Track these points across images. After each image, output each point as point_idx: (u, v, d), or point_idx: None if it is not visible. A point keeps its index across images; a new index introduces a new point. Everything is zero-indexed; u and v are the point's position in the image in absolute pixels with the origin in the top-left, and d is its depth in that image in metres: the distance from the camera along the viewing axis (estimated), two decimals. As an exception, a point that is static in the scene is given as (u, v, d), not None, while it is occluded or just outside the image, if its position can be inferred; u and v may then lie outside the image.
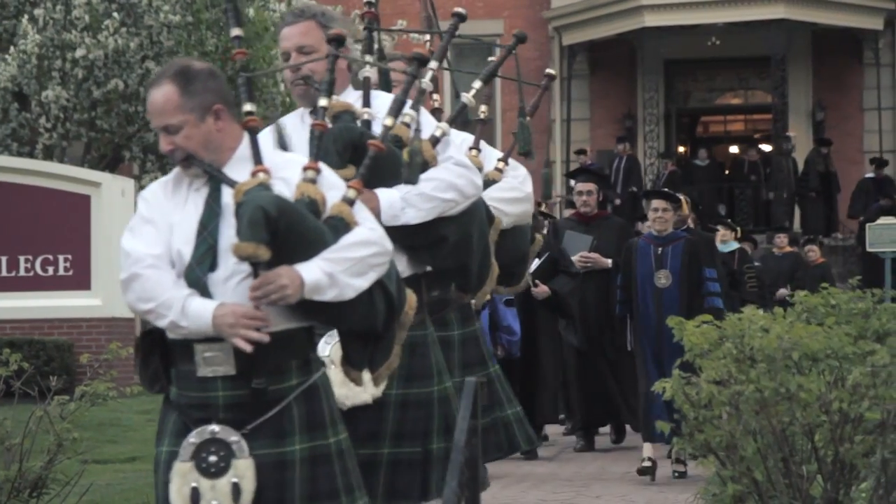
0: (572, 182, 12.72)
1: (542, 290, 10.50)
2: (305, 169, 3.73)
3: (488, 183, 5.24)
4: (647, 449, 9.46)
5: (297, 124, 4.53)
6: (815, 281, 15.82)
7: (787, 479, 4.93)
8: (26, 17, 17.79)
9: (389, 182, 4.31)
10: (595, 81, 25.09)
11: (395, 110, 4.30)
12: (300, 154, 4.05)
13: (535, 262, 10.28)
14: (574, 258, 10.94)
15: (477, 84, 5.20)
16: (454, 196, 4.36)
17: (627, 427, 11.39)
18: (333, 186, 3.76)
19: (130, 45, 17.64)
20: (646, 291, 9.68)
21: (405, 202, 4.29)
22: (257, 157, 3.70)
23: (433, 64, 4.75)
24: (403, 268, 4.26)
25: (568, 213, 12.70)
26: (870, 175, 23.06)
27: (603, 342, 10.93)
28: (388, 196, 4.28)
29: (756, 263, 15.17)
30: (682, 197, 10.32)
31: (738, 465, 4.92)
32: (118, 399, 8.02)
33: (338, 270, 3.60)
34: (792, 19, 22.83)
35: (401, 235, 4.23)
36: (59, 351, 13.64)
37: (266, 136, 4.53)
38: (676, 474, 9.27)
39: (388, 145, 4.23)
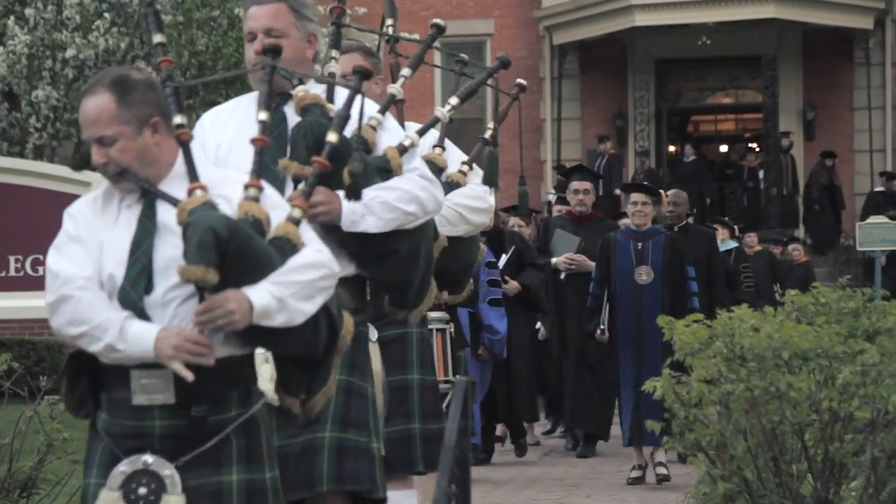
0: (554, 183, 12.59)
1: (512, 285, 10.28)
2: (247, 186, 3.52)
3: (451, 185, 5.12)
4: (636, 455, 9.17)
5: (251, 111, 4.15)
6: (798, 280, 15.90)
7: (777, 478, 4.93)
8: (12, 17, 17.76)
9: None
10: (586, 81, 25.08)
11: (339, 126, 3.99)
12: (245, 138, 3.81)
13: (503, 258, 10.22)
14: (559, 259, 10.69)
15: (454, 101, 5.16)
16: (415, 209, 4.19)
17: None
18: (277, 206, 3.56)
19: (121, 45, 17.62)
20: (625, 288, 9.32)
21: (366, 209, 4.10)
22: (192, 173, 3.49)
23: (405, 71, 4.71)
24: (347, 272, 4.07)
25: (561, 209, 12.07)
26: (879, 189, 23.09)
27: (583, 347, 10.41)
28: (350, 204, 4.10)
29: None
30: (661, 191, 10.11)
31: (729, 464, 4.93)
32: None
33: (287, 294, 3.43)
34: (782, 19, 22.84)
35: (353, 242, 4.12)
36: (49, 351, 13.61)
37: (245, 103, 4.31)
38: (660, 477, 9.03)
39: (352, 143, 4.05)
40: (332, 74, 4.30)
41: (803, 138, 24.28)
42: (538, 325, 11.30)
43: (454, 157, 5.31)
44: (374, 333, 4.48)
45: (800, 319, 5.07)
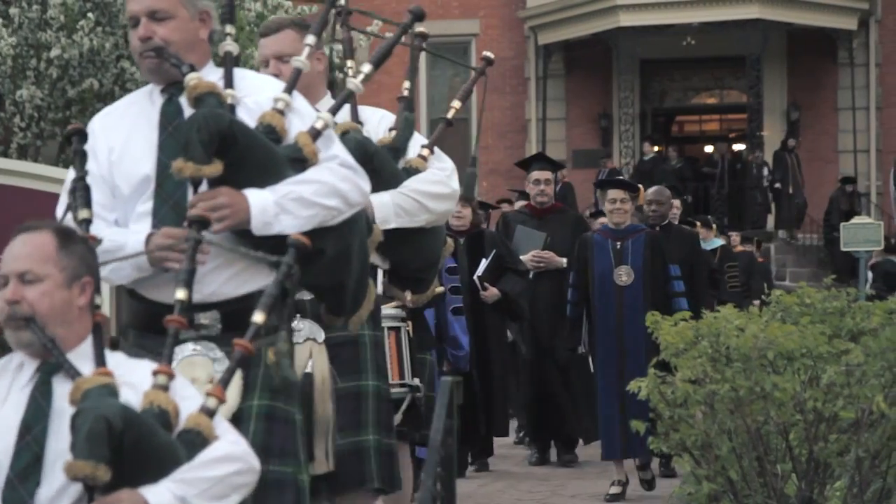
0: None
1: (492, 292, 9.41)
2: (156, 373, 3.16)
3: (410, 171, 4.64)
4: (616, 470, 8.73)
5: (145, 106, 3.75)
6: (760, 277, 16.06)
7: (761, 478, 4.94)
8: (0, 17, 17.72)
9: (260, 180, 3.56)
10: (571, 81, 25.10)
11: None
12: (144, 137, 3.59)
13: (483, 263, 9.42)
14: (525, 257, 9.86)
15: (456, 104, 4.97)
16: (337, 203, 3.63)
17: (580, 441, 10.31)
18: (188, 396, 3.17)
19: (105, 45, 17.58)
20: (605, 290, 8.73)
21: (279, 207, 3.53)
22: (100, 358, 3.17)
23: (367, 68, 4.25)
24: (266, 282, 3.55)
25: (520, 205, 11.21)
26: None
27: (554, 348, 9.72)
28: (259, 199, 3.52)
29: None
30: (640, 186, 9.51)
31: (714, 464, 4.93)
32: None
33: (192, 494, 3.01)
34: (767, 19, 22.89)
35: (269, 247, 3.55)
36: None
37: None
38: (645, 485, 8.77)
39: (261, 137, 3.59)
40: (227, 54, 3.78)
41: (787, 139, 24.33)
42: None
43: (413, 141, 4.79)
44: (320, 334, 4.29)
45: (784, 319, 5.07)
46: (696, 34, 23.46)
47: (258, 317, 3.32)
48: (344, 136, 4.28)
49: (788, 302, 5.24)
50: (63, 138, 17.95)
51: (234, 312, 3.49)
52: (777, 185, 23.15)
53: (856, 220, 18.53)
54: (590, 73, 24.92)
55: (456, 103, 4.88)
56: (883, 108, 24.49)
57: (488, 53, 5.06)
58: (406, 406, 5.31)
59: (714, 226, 14.56)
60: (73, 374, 3.11)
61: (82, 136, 3.63)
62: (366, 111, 4.78)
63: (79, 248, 3.29)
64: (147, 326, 3.53)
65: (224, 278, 3.55)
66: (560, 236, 9.95)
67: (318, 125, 3.67)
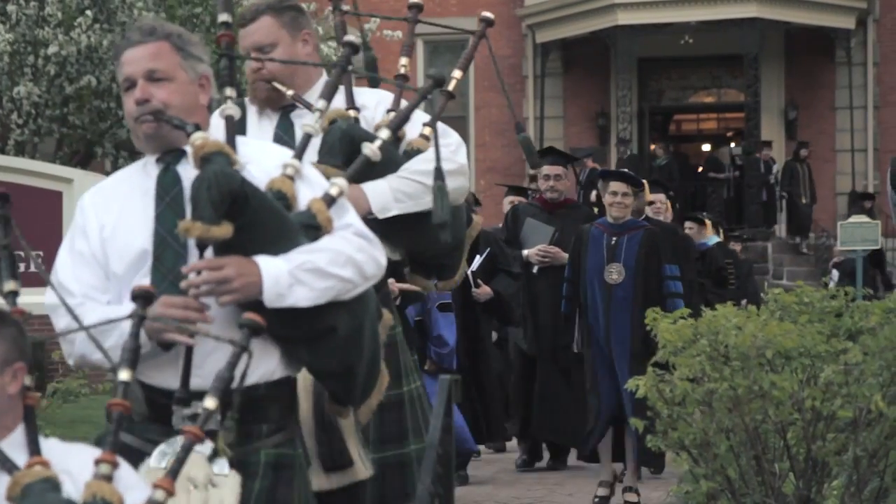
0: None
1: (484, 290, 9.18)
2: (98, 462, 2.92)
3: (412, 153, 4.31)
4: (605, 470, 8.46)
5: (139, 178, 3.45)
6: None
7: (759, 477, 4.94)
8: (-3, 13, 17.70)
9: (271, 246, 3.26)
10: (568, 79, 25.12)
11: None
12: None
13: (477, 260, 9.13)
14: (531, 251, 9.55)
15: (457, 74, 4.56)
16: (353, 275, 3.31)
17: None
18: (133, 486, 2.94)
19: (103, 42, 17.57)
20: (594, 287, 8.34)
21: (293, 278, 3.22)
22: (33, 444, 2.96)
23: (320, 104, 3.98)
24: (274, 367, 3.30)
25: (513, 198, 10.93)
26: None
27: (556, 347, 9.25)
28: (272, 268, 3.22)
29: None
30: (644, 181, 8.98)
31: (712, 463, 4.93)
32: (90, 396, 8.01)
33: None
34: (765, 18, 22.91)
35: (278, 322, 3.23)
36: (30, 348, 13.57)
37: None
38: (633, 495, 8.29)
39: (273, 201, 3.32)
40: (229, 118, 3.52)
41: (785, 138, 24.35)
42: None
43: (414, 120, 4.44)
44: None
45: (783, 318, 5.07)
46: (694, 33, 23.48)
47: (209, 402, 3.02)
48: (331, 125, 4.16)
49: (787, 301, 5.24)
50: None
51: (239, 404, 3.14)
52: (783, 194, 23.12)
53: (853, 219, 18.55)
54: (587, 72, 24.94)
55: (457, 73, 4.53)
56: (881, 108, 24.52)
57: (487, 14, 4.72)
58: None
59: (708, 223, 14.36)
60: (10, 467, 2.88)
61: (5, 199, 3.35)
62: (363, 94, 4.49)
63: (9, 331, 3.04)
64: (149, 416, 3.24)
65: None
66: (570, 232, 9.32)
67: (333, 192, 3.42)
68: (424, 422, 4.40)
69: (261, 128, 4.34)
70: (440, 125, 4.39)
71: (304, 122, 3.85)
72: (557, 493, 8.85)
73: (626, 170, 10.02)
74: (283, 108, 4.37)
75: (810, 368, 4.79)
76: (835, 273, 18.42)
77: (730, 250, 14.39)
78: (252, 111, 4.39)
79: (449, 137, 4.41)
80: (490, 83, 25.04)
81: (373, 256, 3.38)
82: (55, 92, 17.94)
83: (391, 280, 4.53)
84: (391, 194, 4.20)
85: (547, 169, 9.89)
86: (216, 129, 3.45)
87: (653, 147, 24.57)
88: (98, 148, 18.98)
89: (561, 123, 25.09)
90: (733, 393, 4.73)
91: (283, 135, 4.30)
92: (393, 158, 4.21)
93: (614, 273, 8.31)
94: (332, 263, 3.26)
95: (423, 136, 4.36)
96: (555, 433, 9.61)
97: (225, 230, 3.15)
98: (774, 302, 5.26)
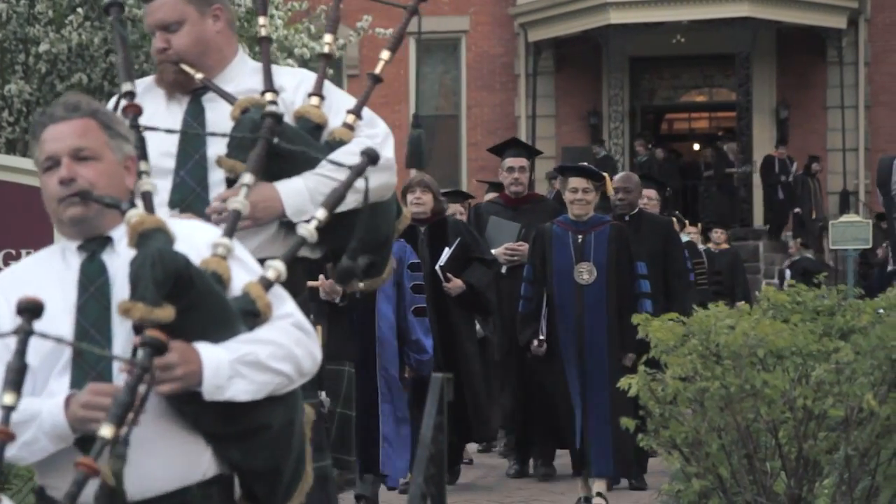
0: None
1: (455, 284, 8.54)
2: None
3: (334, 144, 3.87)
4: (581, 486, 8.04)
5: (56, 266, 3.13)
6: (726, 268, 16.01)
7: (751, 476, 4.94)
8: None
9: (213, 333, 2.97)
10: (560, 78, 25.11)
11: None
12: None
13: (446, 252, 8.54)
14: (498, 251, 9.09)
15: (385, 55, 4.13)
16: (291, 371, 3.05)
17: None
18: None
19: (94, 40, 17.54)
20: (564, 289, 7.91)
21: (234, 370, 2.95)
22: None
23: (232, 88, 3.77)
24: (206, 467, 3.01)
25: (492, 195, 10.26)
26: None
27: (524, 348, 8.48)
28: (213, 358, 2.94)
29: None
30: (605, 175, 8.48)
31: (703, 462, 4.93)
32: None
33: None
34: (756, 17, 22.92)
35: (212, 417, 2.98)
36: None
37: None
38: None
39: (216, 285, 3.04)
40: (146, 194, 3.28)
41: (776, 137, 24.38)
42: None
43: (336, 106, 3.98)
44: None
45: (775, 317, 5.08)
46: (686, 32, 23.49)
47: (105, 430, 2.75)
48: (242, 115, 3.76)
49: (780, 300, 5.24)
50: None
51: None
52: (797, 210, 23.10)
53: (844, 218, 18.58)
54: (579, 71, 24.94)
55: (385, 54, 4.07)
56: (871, 107, 24.54)
57: None
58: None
59: (686, 222, 14.25)
60: None
61: None
62: (282, 74, 4.03)
63: None
64: None
65: (160, 463, 2.94)
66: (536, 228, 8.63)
67: (270, 275, 3.12)
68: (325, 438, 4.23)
69: (169, 112, 3.94)
70: (366, 112, 3.96)
71: (216, 156, 3.61)
72: (550, 491, 8.85)
73: (585, 164, 9.43)
74: (193, 92, 3.98)
75: (802, 367, 4.80)
76: (787, 273, 18.45)
77: (698, 249, 14.24)
78: (160, 95, 4.00)
79: (375, 127, 3.99)
80: (482, 82, 25.03)
81: (310, 352, 3.11)
82: (46, 90, 17.91)
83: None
84: (308, 195, 3.78)
85: (510, 161, 9.45)
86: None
87: (638, 146, 24.58)
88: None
89: (553, 122, 25.08)
90: (725, 392, 4.73)
91: (193, 121, 3.94)
92: (312, 151, 3.79)
93: (585, 273, 7.89)
94: (273, 357, 3.01)
95: (346, 124, 3.91)
96: (541, 433, 9.18)
97: (167, 313, 2.88)
98: (767, 301, 5.26)
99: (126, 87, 3.48)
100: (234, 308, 3.02)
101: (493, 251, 9.04)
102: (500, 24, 24.98)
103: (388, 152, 3.93)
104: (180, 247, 3.02)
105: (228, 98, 3.88)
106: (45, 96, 17.97)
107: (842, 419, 4.81)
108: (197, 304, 2.94)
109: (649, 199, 9.91)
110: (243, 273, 3.12)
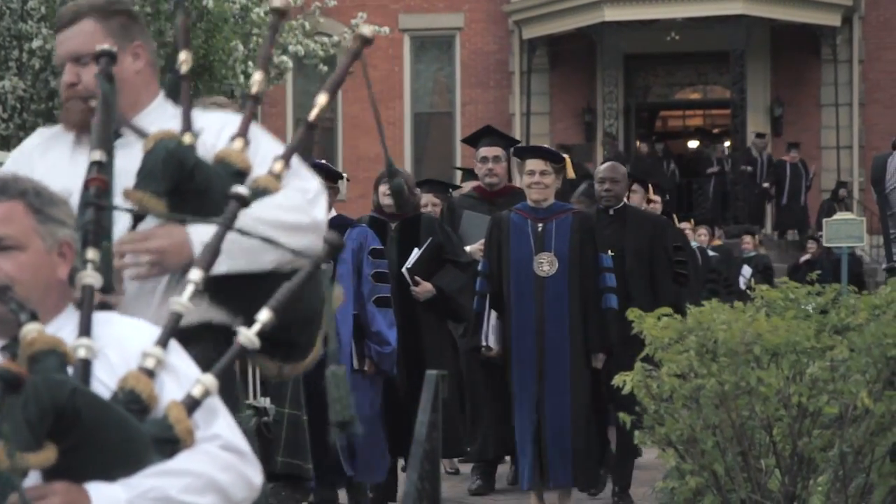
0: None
1: (424, 288, 7.85)
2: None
3: (258, 194, 3.23)
4: (534, 499, 7.43)
5: None
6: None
7: (745, 473, 4.95)
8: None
9: (111, 470, 2.58)
10: (555, 75, 25.12)
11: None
12: None
13: (415, 254, 7.88)
14: (474, 247, 8.24)
15: (322, 99, 3.38)
16: (214, 502, 2.66)
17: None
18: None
19: (88, 36, 17.52)
20: (522, 282, 7.26)
21: None
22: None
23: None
24: None
25: (468, 186, 9.49)
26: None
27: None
28: (106, 498, 2.56)
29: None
30: (565, 157, 7.74)
31: (698, 459, 4.93)
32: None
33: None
34: (751, 15, 22.94)
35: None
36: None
37: None
38: None
39: (118, 411, 2.63)
40: (86, 288, 2.81)
41: (771, 134, 24.40)
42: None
43: (263, 151, 3.40)
44: None
45: (769, 314, 5.08)
46: (680, 29, 23.50)
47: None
48: (155, 144, 3.22)
49: (773, 297, 5.25)
50: None
51: None
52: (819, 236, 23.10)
53: (838, 216, 18.58)
54: (574, 68, 24.94)
55: (321, 98, 3.40)
56: (866, 105, 24.57)
57: (365, 31, 3.45)
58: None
59: (675, 217, 14.11)
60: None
61: None
62: (204, 116, 3.49)
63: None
64: None
65: None
66: None
67: (196, 392, 2.70)
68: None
69: (73, 163, 3.32)
70: (296, 163, 3.39)
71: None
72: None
73: (545, 145, 8.81)
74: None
75: (797, 365, 4.80)
76: (746, 269, 18.41)
77: (691, 247, 14.08)
78: (66, 140, 3.42)
79: (306, 181, 3.38)
80: (476, 80, 25.03)
81: (243, 476, 2.70)
82: (40, 86, 17.89)
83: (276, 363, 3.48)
84: (226, 246, 3.13)
85: (484, 151, 8.76)
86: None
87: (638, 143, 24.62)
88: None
89: (547, 120, 25.09)
90: (720, 389, 4.73)
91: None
92: (226, 192, 3.19)
93: (545, 264, 7.26)
94: (188, 490, 2.60)
95: (272, 173, 3.31)
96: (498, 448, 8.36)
97: (45, 457, 2.45)
98: (761, 298, 5.27)
99: (95, 155, 3.01)
100: (145, 436, 2.59)
101: (467, 248, 8.28)
102: (495, 22, 24.97)
103: (318, 212, 3.36)
104: (110, 357, 2.68)
105: (144, 136, 3.35)
106: (39, 93, 17.95)
107: (836, 417, 4.81)
108: (88, 441, 2.52)
109: (634, 192, 9.43)
110: (175, 388, 2.69)
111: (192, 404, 2.69)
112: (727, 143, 24.85)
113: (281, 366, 3.41)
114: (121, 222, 3.17)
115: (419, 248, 7.91)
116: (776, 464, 4.96)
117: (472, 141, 9.17)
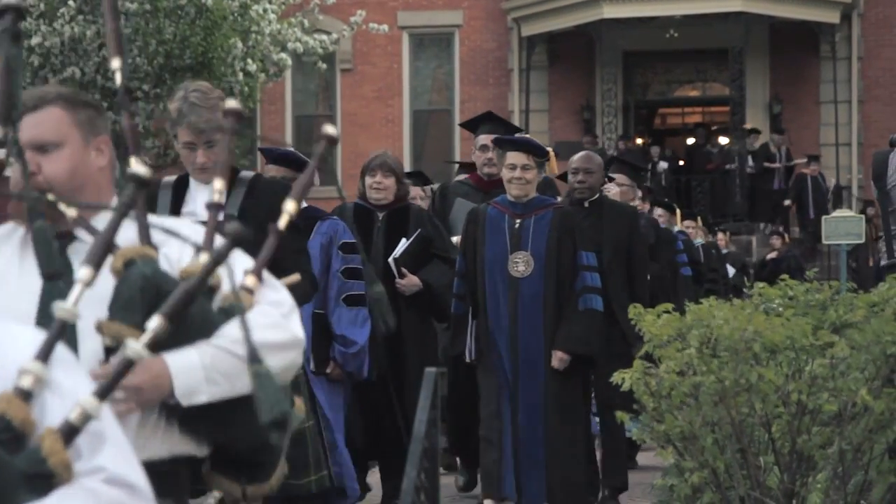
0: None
1: (410, 281, 7.41)
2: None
3: (230, 312, 3.01)
4: None
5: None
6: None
7: (744, 470, 4.94)
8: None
9: None
10: (554, 73, 25.12)
11: None
12: None
13: (402, 244, 7.47)
14: (458, 238, 7.67)
15: (290, 206, 3.04)
16: None
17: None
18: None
19: (87, 33, 17.51)
20: (496, 282, 6.81)
21: None
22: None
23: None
24: None
25: (463, 176, 8.92)
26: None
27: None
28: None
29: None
30: (549, 150, 7.29)
31: (697, 456, 4.93)
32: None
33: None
34: (750, 12, 22.95)
35: None
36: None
37: None
38: None
39: None
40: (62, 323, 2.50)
41: (770, 132, 24.41)
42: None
43: (232, 264, 2.98)
44: None
45: (768, 311, 5.08)
46: (679, 26, 23.50)
47: None
48: (128, 268, 2.93)
49: (772, 294, 5.25)
50: None
51: None
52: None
53: (837, 213, 18.59)
54: (573, 65, 24.94)
55: (290, 205, 3.05)
56: (865, 102, 24.57)
57: (329, 130, 3.07)
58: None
59: (678, 212, 13.98)
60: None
61: None
62: (169, 224, 3.20)
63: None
64: None
65: None
66: None
67: (74, 417, 2.24)
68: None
69: (22, 268, 3.08)
70: (267, 275, 3.14)
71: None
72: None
73: (527, 136, 8.10)
74: (58, 236, 3.09)
75: (796, 362, 4.80)
76: (730, 269, 18.44)
77: (692, 243, 13.95)
78: (14, 240, 3.15)
79: (279, 292, 3.15)
80: (475, 77, 25.02)
81: None
82: (38, 83, 17.88)
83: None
84: (203, 373, 2.94)
85: (483, 139, 8.15)
86: None
87: (643, 141, 24.64)
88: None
89: (546, 117, 25.09)
90: (720, 386, 4.73)
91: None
92: (205, 318, 2.99)
93: (521, 264, 6.81)
94: None
95: (245, 288, 3.07)
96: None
97: None
98: (759, 296, 5.27)
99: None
100: (14, 474, 2.17)
101: (454, 238, 7.79)
102: (494, 19, 24.97)
103: (295, 325, 3.12)
104: None
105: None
106: (38, 90, 17.97)
107: (835, 414, 4.81)
108: None
109: (621, 184, 9.19)
110: (60, 410, 2.26)
111: (69, 431, 2.23)
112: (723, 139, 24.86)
113: (245, 487, 3.16)
114: (87, 342, 2.92)
115: (407, 239, 7.49)
116: (775, 461, 4.96)
117: (472, 127, 8.63)
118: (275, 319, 3.05)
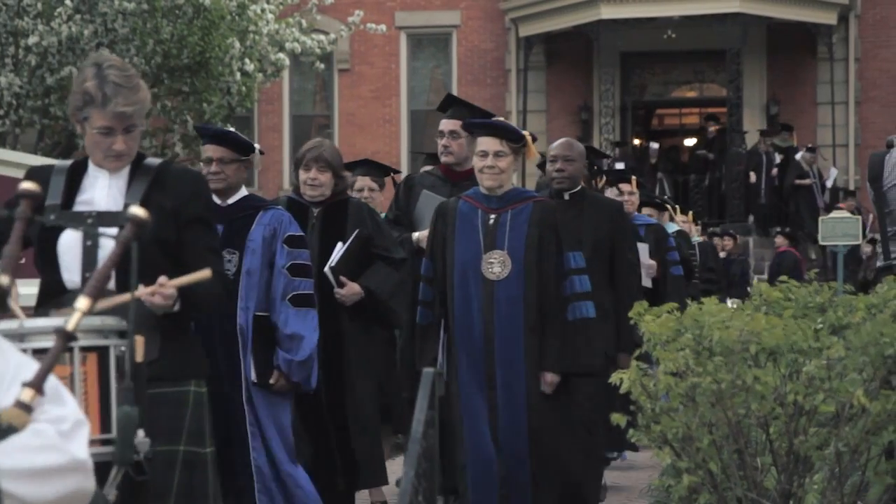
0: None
1: (350, 290, 6.67)
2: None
3: (4, 431, 2.57)
4: None
5: None
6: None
7: (741, 471, 4.95)
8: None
9: None
10: (551, 73, 25.13)
11: None
12: None
13: (338, 249, 6.70)
14: (422, 234, 6.88)
15: (83, 303, 2.88)
16: None
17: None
18: None
19: (84, 33, 17.50)
20: (468, 285, 5.97)
21: None
22: None
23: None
24: None
25: (431, 166, 8.05)
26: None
27: None
28: None
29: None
30: (526, 134, 6.28)
31: (694, 457, 4.94)
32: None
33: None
34: (747, 13, 22.98)
35: None
36: None
37: None
38: None
39: None
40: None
41: (765, 131, 24.43)
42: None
43: (11, 374, 2.69)
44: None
45: (767, 313, 5.09)
46: (677, 27, 23.52)
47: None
48: None
49: (773, 296, 5.25)
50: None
51: None
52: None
53: (834, 214, 18.61)
54: (570, 66, 24.95)
55: (82, 302, 2.83)
56: (862, 103, 24.60)
57: (137, 212, 3.04)
58: (120, 476, 3.31)
59: (669, 209, 13.91)
60: None
61: None
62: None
63: None
64: None
65: None
66: None
67: None
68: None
69: None
70: (53, 384, 2.67)
71: None
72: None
73: (501, 118, 6.99)
74: None
75: (793, 363, 4.80)
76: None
77: (691, 241, 13.87)
78: None
79: (63, 407, 2.66)
80: (473, 77, 25.03)
81: None
82: (36, 83, 17.88)
83: None
84: None
85: (442, 124, 7.23)
86: None
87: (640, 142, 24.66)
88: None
89: (544, 117, 25.10)
90: (717, 387, 4.74)
91: None
92: None
93: (496, 265, 5.99)
94: None
95: (21, 403, 2.59)
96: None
97: None
98: (759, 296, 5.27)
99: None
100: None
101: (415, 235, 7.10)
102: (491, 19, 24.98)
103: (77, 447, 2.62)
104: None
105: None
106: (35, 89, 17.93)
107: (833, 415, 4.81)
108: None
109: (629, 192, 8.90)
110: None
111: None
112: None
113: None
114: None
115: (343, 243, 6.72)
116: (772, 462, 4.96)
117: (443, 109, 7.53)
118: (49, 440, 2.57)
